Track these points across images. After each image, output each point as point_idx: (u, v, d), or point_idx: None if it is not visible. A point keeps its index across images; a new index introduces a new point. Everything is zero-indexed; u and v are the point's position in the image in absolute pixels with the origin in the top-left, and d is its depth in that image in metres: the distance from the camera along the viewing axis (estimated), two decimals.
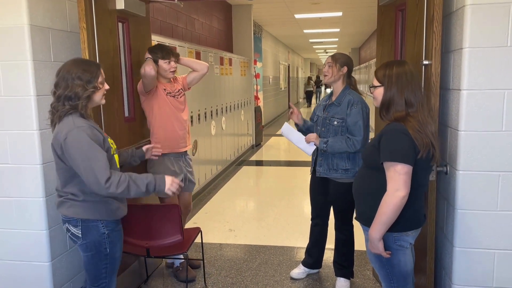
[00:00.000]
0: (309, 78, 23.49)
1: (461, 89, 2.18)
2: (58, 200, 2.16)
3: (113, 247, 2.16)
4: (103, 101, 2.19)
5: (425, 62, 2.31)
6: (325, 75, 2.94)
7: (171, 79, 3.24)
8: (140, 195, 2.08)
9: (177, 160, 3.24)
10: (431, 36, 2.25)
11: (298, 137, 3.04)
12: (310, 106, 22.17)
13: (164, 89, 3.13)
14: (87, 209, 2.09)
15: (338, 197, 2.98)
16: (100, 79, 2.11)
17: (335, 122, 2.88)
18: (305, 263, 3.33)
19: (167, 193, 2.14)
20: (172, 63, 3.13)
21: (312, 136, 2.92)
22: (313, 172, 3.09)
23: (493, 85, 2.14)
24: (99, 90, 2.11)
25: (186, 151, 3.33)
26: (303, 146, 3.01)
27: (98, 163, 1.96)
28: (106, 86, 2.17)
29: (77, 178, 2.05)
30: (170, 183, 2.14)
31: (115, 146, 2.28)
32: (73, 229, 2.11)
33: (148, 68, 2.90)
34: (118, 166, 2.26)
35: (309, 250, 3.31)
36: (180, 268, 3.34)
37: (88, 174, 1.96)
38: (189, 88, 3.39)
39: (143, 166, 3.27)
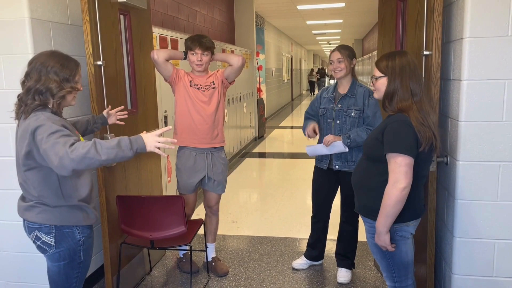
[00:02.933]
0: (312, 70, 24.54)
1: (462, 79, 2.18)
2: (24, 205, 1.92)
3: (86, 254, 2.00)
4: (74, 103, 1.95)
5: (426, 52, 2.31)
6: (339, 71, 2.88)
7: (209, 72, 3.09)
8: (114, 155, 1.69)
9: (200, 156, 3.05)
10: (431, 26, 2.24)
11: (323, 147, 2.92)
12: (313, 95, 23.22)
13: (190, 81, 3.00)
14: (62, 214, 1.89)
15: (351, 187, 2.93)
16: (77, 78, 1.89)
17: (353, 114, 2.88)
18: (307, 255, 3.35)
19: (155, 151, 1.79)
20: (199, 55, 2.93)
21: (330, 137, 2.84)
22: (316, 167, 3.09)
23: (494, 75, 2.14)
24: (75, 91, 1.89)
25: (216, 148, 3.10)
26: (328, 151, 2.89)
27: (65, 137, 1.71)
28: (81, 88, 1.94)
29: (51, 180, 1.86)
30: (152, 140, 1.77)
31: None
32: (44, 237, 1.90)
33: (151, 53, 2.88)
34: None
35: (311, 244, 3.33)
36: (184, 260, 3.37)
37: (54, 147, 1.68)
38: (230, 83, 3.15)
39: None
